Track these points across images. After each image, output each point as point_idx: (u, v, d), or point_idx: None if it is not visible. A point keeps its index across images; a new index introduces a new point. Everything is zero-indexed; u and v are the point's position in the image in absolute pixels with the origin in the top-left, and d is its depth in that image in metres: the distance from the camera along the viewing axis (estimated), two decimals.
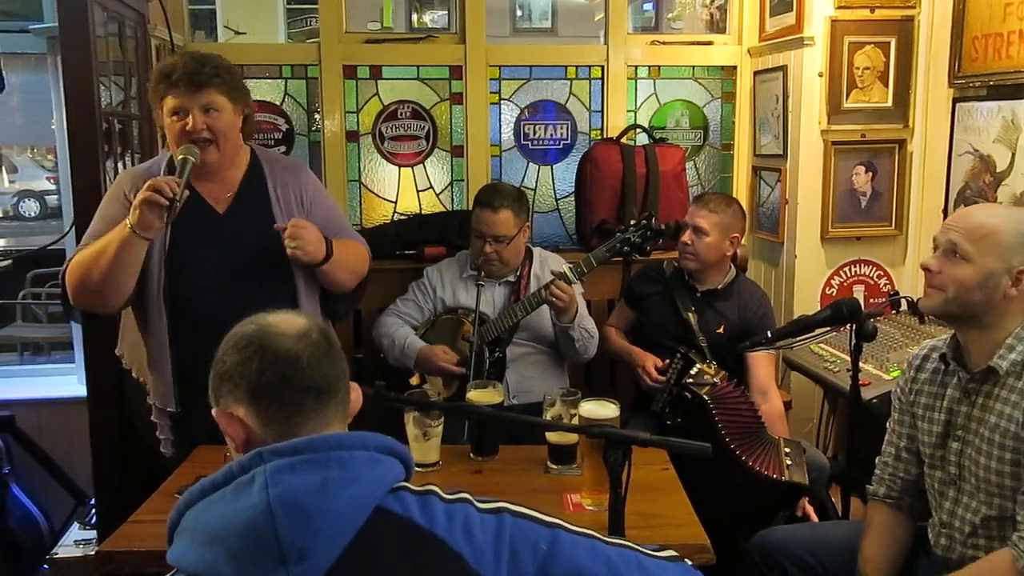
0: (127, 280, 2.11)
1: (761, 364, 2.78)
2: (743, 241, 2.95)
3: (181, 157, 2.08)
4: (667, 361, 2.76)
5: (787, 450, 2.42)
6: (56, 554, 2.91)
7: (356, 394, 1.19)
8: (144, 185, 2.02)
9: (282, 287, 2.25)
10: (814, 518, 2.45)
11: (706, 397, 2.47)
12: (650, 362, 2.80)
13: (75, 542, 2.94)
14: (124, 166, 2.83)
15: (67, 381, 3.52)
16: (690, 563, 1.15)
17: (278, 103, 3.58)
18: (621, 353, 2.96)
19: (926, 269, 1.82)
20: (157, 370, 2.28)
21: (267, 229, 2.22)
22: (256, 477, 1.00)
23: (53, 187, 11.58)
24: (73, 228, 2.52)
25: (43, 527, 3.19)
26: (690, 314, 2.81)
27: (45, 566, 2.93)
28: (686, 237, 2.82)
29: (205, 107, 2.12)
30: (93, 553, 2.36)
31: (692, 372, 2.63)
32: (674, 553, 1.14)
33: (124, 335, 2.57)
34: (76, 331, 3.37)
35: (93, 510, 3.00)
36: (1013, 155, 2.71)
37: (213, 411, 1.12)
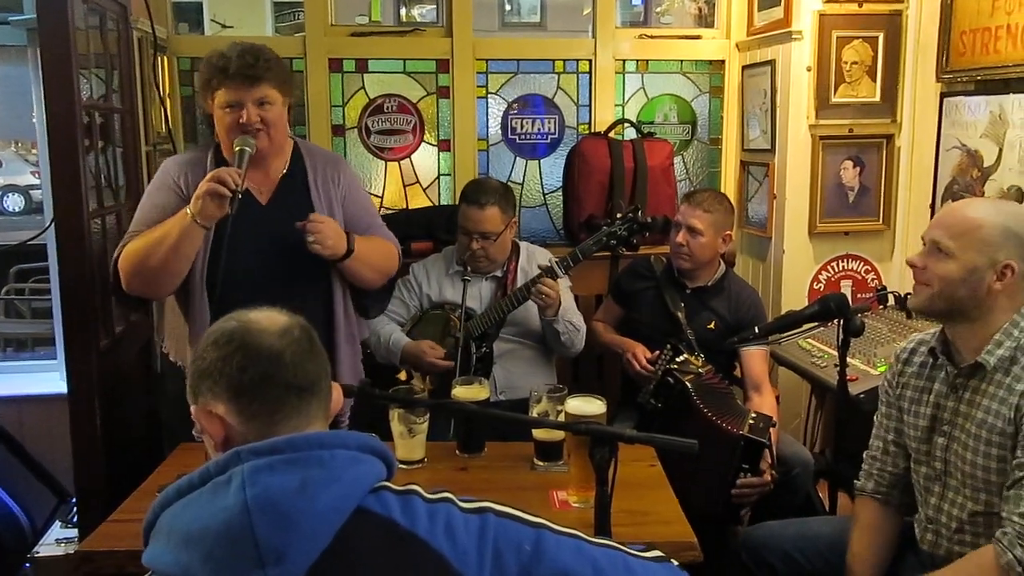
0: (183, 267, 2.20)
1: (756, 360, 2.79)
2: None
3: (238, 149, 2.14)
4: (657, 353, 2.75)
5: (753, 415, 2.45)
6: (38, 553, 2.87)
7: (337, 393, 1.17)
8: (205, 175, 2.11)
9: (320, 277, 2.28)
10: (767, 475, 2.43)
11: (688, 384, 2.48)
12: (640, 349, 2.78)
13: (57, 540, 2.90)
14: (106, 160, 2.80)
15: (50, 378, 3.47)
16: (676, 564, 1.13)
17: None
18: (612, 346, 2.95)
19: (912, 265, 1.82)
20: None
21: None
22: (233, 477, 0.98)
23: (38, 181, 11.48)
24: (53, 223, 2.49)
25: (24, 525, 3.15)
26: (679, 311, 2.80)
27: (27, 564, 2.90)
28: (680, 238, 2.80)
29: (259, 100, 2.16)
30: (74, 552, 2.33)
31: (678, 360, 2.64)
32: (660, 554, 1.13)
33: (165, 320, 2.60)
34: (58, 328, 3.33)
35: (75, 508, 2.97)
36: (1000, 150, 2.71)
37: (192, 409, 1.10)
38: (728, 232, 2.84)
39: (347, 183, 2.40)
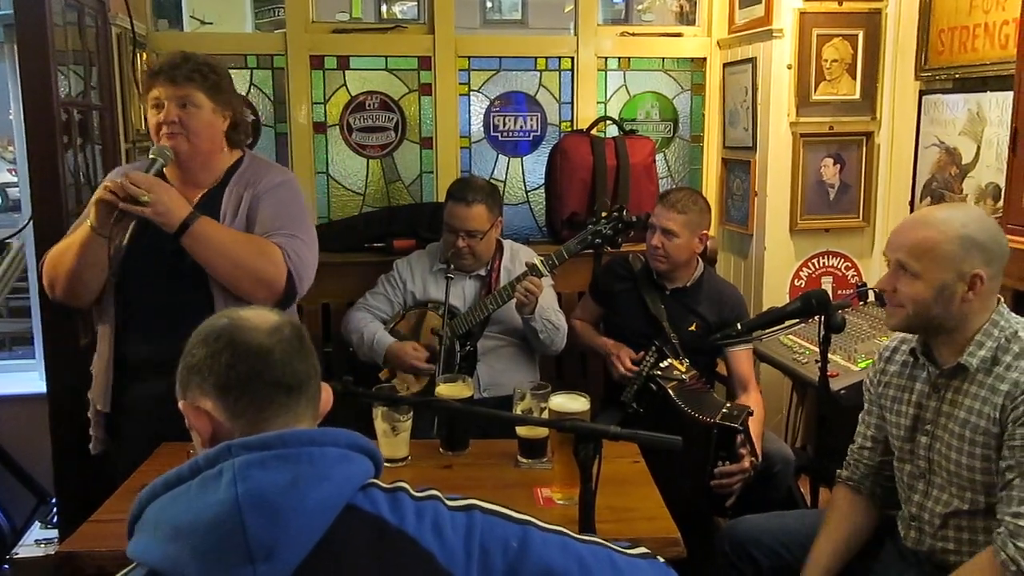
0: (91, 275, 2.11)
1: (742, 360, 2.80)
2: (711, 233, 2.94)
3: (151, 158, 2.10)
4: (642, 353, 2.75)
5: (727, 404, 2.48)
6: (17, 554, 2.86)
7: (327, 394, 1.17)
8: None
9: (202, 289, 2.15)
10: (746, 461, 2.44)
11: (671, 392, 2.48)
12: (624, 352, 2.78)
13: (36, 541, 2.88)
14: (85, 158, 2.78)
15: (28, 377, 3.44)
16: (662, 560, 1.14)
17: (243, 94, 3.52)
18: (595, 348, 2.95)
19: (881, 290, 1.82)
20: (99, 364, 2.25)
21: None
22: (224, 471, 0.97)
23: (16, 179, 11.33)
24: (31, 222, 2.46)
25: (4, 526, 3.12)
26: (661, 316, 2.79)
27: (6, 566, 2.87)
28: (656, 240, 2.76)
29: (181, 101, 2.12)
30: (55, 552, 2.31)
31: (663, 365, 2.63)
32: (646, 550, 1.13)
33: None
34: (37, 326, 3.30)
35: (55, 509, 2.94)
36: (978, 148, 2.74)
37: (180, 404, 1.10)
38: (704, 232, 2.80)
39: (268, 187, 2.23)
